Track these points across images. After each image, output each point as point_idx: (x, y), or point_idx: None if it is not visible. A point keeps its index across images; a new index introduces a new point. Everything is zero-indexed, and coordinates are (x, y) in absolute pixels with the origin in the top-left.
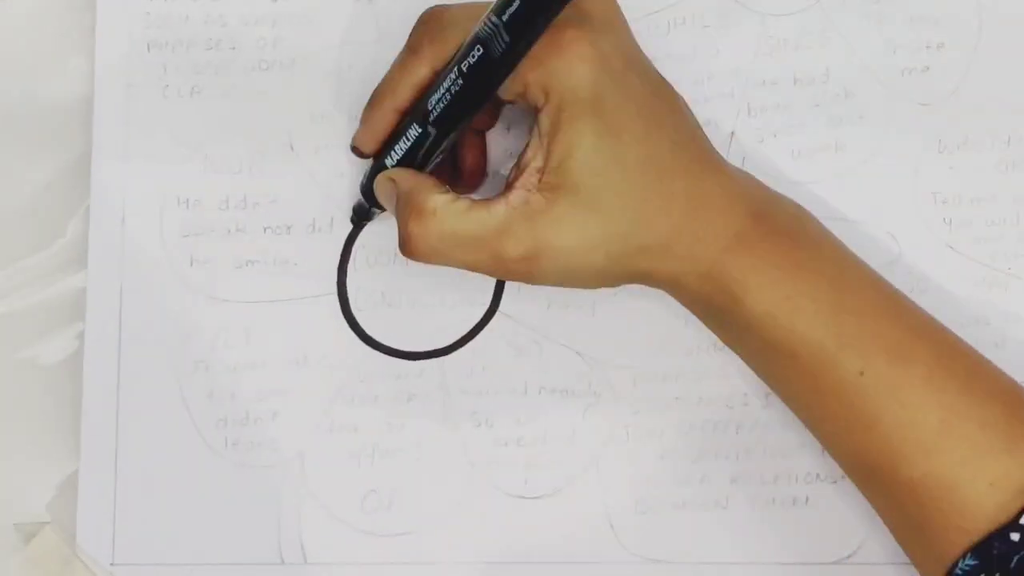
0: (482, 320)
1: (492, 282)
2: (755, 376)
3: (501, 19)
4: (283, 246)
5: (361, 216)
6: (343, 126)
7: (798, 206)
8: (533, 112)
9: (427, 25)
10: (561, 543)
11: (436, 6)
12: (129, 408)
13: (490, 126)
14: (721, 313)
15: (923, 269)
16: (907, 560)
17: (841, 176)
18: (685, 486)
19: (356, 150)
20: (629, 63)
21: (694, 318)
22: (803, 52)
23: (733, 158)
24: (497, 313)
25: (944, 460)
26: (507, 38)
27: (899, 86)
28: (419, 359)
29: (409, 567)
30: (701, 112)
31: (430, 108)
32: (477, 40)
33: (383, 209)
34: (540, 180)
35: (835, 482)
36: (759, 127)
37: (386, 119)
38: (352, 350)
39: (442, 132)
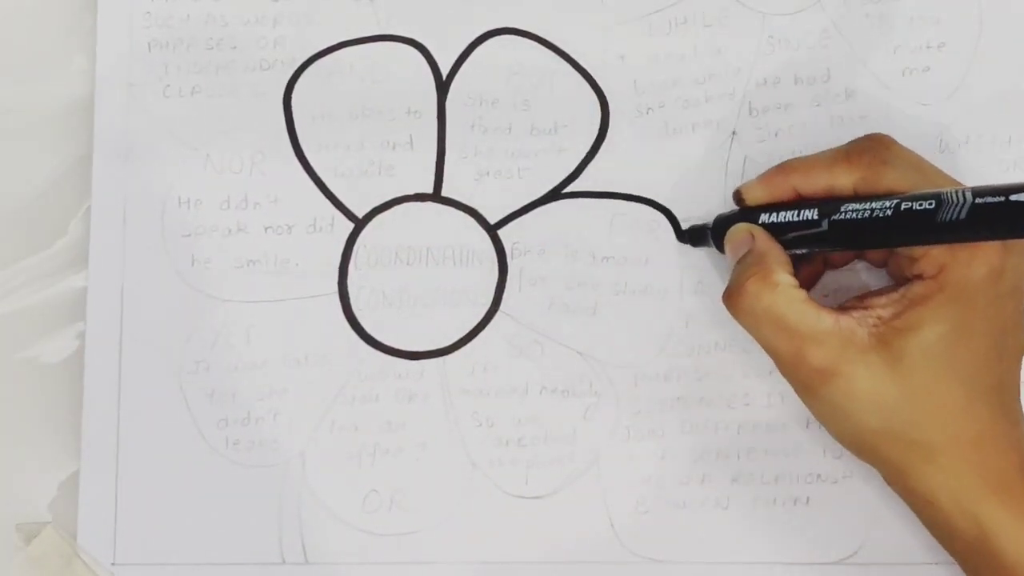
0: (483, 320)
1: (493, 282)
2: (757, 376)
3: (973, 200)
4: (284, 246)
5: (695, 241)
6: (344, 126)
7: None
8: (910, 272)
9: (876, 147)
10: (562, 543)
11: (889, 136)
12: (130, 408)
13: (845, 263)
14: (969, 551)
15: None
16: (908, 560)
17: None
18: (686, 486)
19: (739, 197)
20: (1016, 290)
21: (695, 318)
22: (804, 52)
23: (734, 158)
24: (498, 313)
25: None
26: (963, 217)
27: (900, 86)
28: (420, 359)
29: (409, 567)
30: (701, 112)
31: (842, 209)
32: (936, 196)
33: (715, 247)
34: (874, 325)
35: (836, 482)
36: (760, 127)
37: (785, 191)
38: (353, 350)
39: (833, 237)
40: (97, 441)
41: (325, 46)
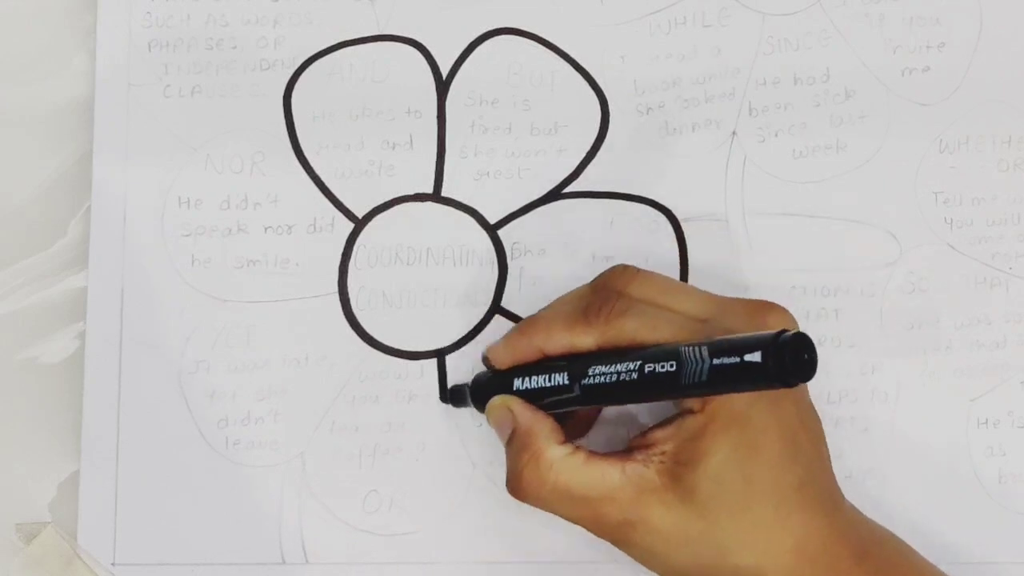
0: (483, 320)
1: (493, 282)
2: None
3: (711, 360)
4: (284, 246)
5: (456, 402)
6: (344, 126)
7: (901, 542)
8: (679, 407)
9: (611, 296)
10: (562, 543)
11: (629, 269)
12: (130, 408)
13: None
14: None
15: (924, 269)
16: None
17: (842, 176)
18: None
19: (487, 361)
20: (784, 394)
21: None
22: (804, 52)
23: (734, 158)
24: (498, 313)
25: None
26: (704, 379)
27: (900, 86)
28: (420, 359)
29: (409, 567)
30: (701, 112)
31: (589, 374)
32: (677, 356)
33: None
34: (661, 462)
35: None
36: (760, 127)
37: (530, 354)
38: (353, 350)
39: (586, 401)
40: (97, 441)
41: (325, 46)
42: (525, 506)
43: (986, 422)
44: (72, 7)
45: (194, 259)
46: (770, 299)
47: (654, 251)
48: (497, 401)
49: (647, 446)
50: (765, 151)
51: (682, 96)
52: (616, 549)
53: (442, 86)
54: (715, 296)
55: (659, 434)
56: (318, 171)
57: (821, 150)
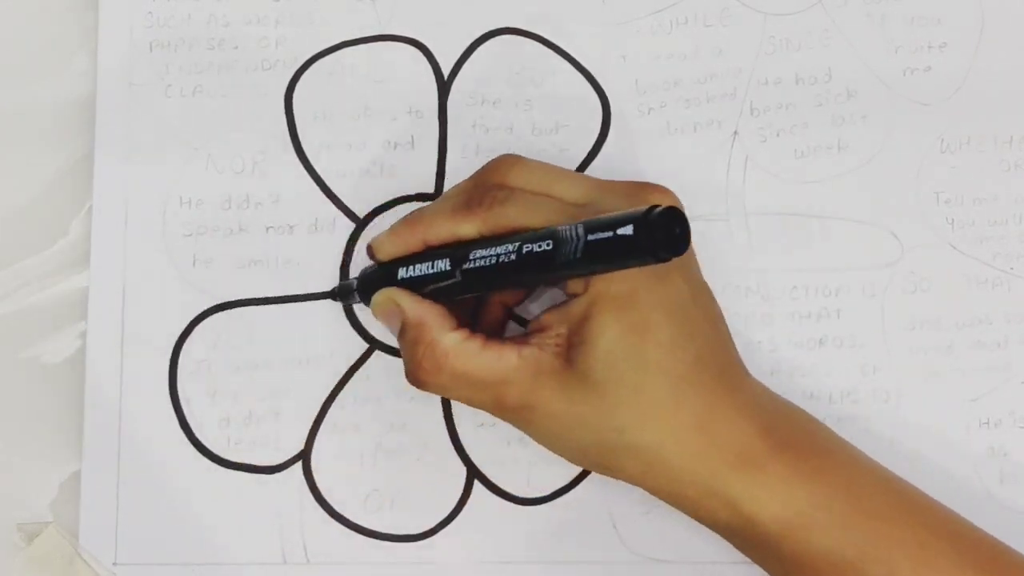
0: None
1: None
2: (758, 374)
3: (586, 237)
4: (285, 246)
5: (343, 298)
6: (345, 126)
7: (810, 417)
8: (565, 291)
9: (492, 188)
10: (563, 543)
11: (510, 158)
12: (131, 408)
13: (518, 302)
14: (731, 530)
15: (925, 269)
16: None
17: (843, 176)
18: None
19: (371, 252)
20: (676, 264)
21: None
22: (805, 52)
23: (736, 158)
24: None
25: None
26: (579, 256)
27: (901, 86)
28: None
29: (410, 567)
30: (703, 112)
31: (470, 258)
32: (553, 236)
33: (364, 304)
34: (556, 345)
35: None
36: (762, 127)
37: (414, 245)
38: (355, 350)
39: (467, 286)
40: (99, 441)
41: (326, 46)
42: (526, 506)
43: (987, 422)
44: (74, 7)
45: (195, 259)
46: (770, 299)
47: None
48: (385, 296)
49: (541, 330)
50: (767, 151)
51: (684, 96)
52: (616, 548)
53: (443, 86)
54: (597, 179)
55: (551, 318)
56: (319, 171)
57: (823, 150)
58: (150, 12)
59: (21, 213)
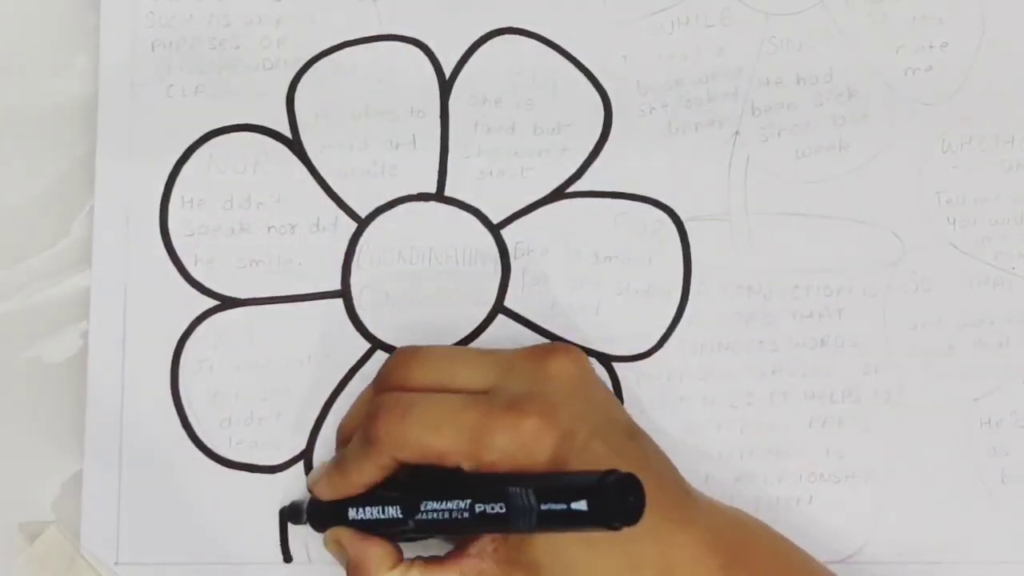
0: (486, 320)
1: (496, 282)
2: (760, 375)
3: (539, 507)
4: (287, 245)
5: (293, 519)
6: (347, 125)
7: (773, 537)
8: None
9: (389, 406)
10: None
11: (406, 354)
12: (133, 407)
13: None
14: None
15: (927, 269)
16: (912, 559)
17: (845, 176)
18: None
19: (311, 491)
20: (594, 431)
21: (698, 318)
22: (807, 51)
23: (737, 157)
24: (501, 313)
25: None
26: (534, 525)
27: (903, 85)
28: None
29: None
30: (704, 112)
31: (422, 510)
32: (505, 500)
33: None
34: (495, 551)
35: (839, 481)
36: (763, 126)
37: (352, 490)
38: (356, 350)
39: (422, 532)
40: (100, 440)
41: (328, 46)
42: None
43: (989, 422)
44: (75, 6)
45: (197, 258)
46: (772, 298)
47: (657, 251)
48: (330, 536)
49: (478, 538)
50: (768, 151)
51: (685, 96)
52: None
53: (445, 85)
54: (499, 355)
55: None
56: (321, 171)
57: (824, 150)
58: (151, 12)
59: (22, 213)
